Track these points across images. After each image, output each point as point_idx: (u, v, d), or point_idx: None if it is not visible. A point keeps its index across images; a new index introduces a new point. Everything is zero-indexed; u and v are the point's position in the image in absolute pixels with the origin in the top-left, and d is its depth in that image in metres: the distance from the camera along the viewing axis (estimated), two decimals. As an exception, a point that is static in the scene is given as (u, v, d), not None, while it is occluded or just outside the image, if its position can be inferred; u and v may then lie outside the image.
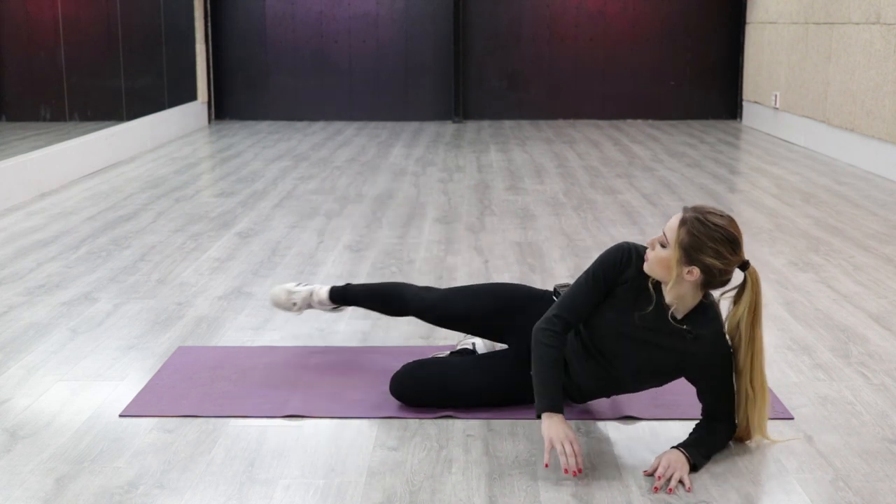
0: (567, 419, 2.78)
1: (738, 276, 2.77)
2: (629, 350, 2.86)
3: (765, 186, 7.28)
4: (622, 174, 7.88)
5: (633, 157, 8.89)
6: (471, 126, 11.46)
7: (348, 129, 11.17)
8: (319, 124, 11.59)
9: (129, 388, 3.37)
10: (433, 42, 11.89)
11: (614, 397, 3.16)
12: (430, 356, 3.39)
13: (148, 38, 9.81)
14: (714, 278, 2.72)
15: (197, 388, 3.36)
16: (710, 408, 2.87)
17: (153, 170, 8.17)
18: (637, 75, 11.86)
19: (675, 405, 3.14)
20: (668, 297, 2.77)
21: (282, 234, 5.74)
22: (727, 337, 2.82)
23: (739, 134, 10.62)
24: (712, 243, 2.67)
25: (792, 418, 3.11)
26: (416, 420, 3.09)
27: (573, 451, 2.66)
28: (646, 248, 2.82)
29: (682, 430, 2.94)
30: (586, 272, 2.90)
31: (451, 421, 3.08)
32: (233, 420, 3.10)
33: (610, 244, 5.36)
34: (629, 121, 11.82)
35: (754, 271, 2.75)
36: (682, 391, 3.07)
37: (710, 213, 2.71)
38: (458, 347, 3.49)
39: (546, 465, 2.68)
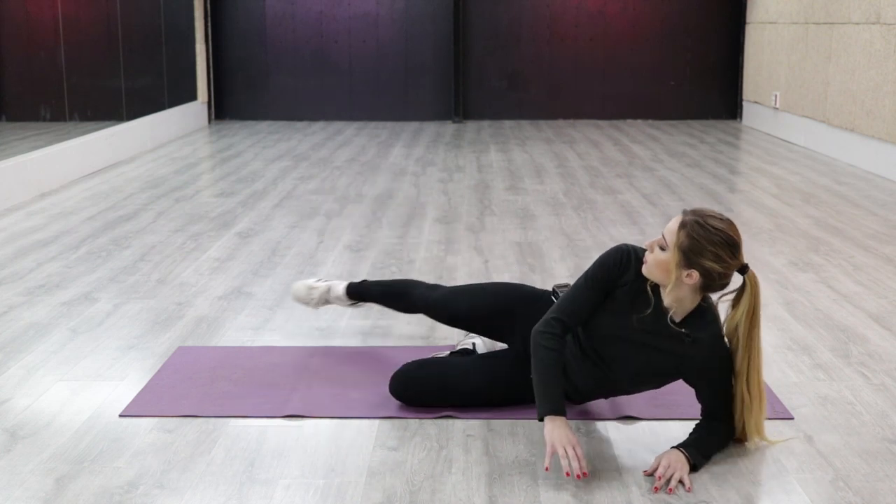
0: (568, 419, 2.78)
1: (736, 280, 2.77)
2: (627, 353, 2.86)
3: (765, 186, 7.28)
4: (622, 174, 7.88)
5: (633, 157, 8.89)
6: (471, 126, 11.46)
7: (348, 129, 11.18)
8: (319, 124, 11.59)
9: (129, 388, 3.37)
10: (433, 42, 11.89)
11: (613, 397, 3.16)
12: (430, 356, 3.39)
13: (148, 38, 9.81)
14: (713, 282, 2.72)
15: (197, 388, 3.36)
16: (709, 408, 2.87)
17: (153, 170, 8.17)
18: (637, 75, 11.86)
19: (675, 405, 3.14)
20: (667, 300, 2.77)
21: (282, 234, 5.75)
22: (725, 340, 2.82)
23: (739, 134, 10.62)
24: (712, 247, 2.66)
25: (792, 418, 3.11)
26: (416, 420, 3.09)
27: (575, 454, 2.65)
28: (644, 250, 2.82)
29: (682, 430, 2.94)
30: (585, 274, 2.89)
31: (451, 421, 3.08)
32: (233, 420, 3.10)
33: (610, 244, 5.39)
34: (629, 121, 11.83)
35: (753, 275, 2.75)
36: (681, 391, 3.06)
37: (709, 216, 2.71)
38: (458, 347, 3.49)
39: (546, 469, 2.67)
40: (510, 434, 3.00)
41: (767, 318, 4.10)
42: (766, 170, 8.10)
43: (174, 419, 3.10)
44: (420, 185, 7.42)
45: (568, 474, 2.63)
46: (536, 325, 2.86)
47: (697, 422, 2.88)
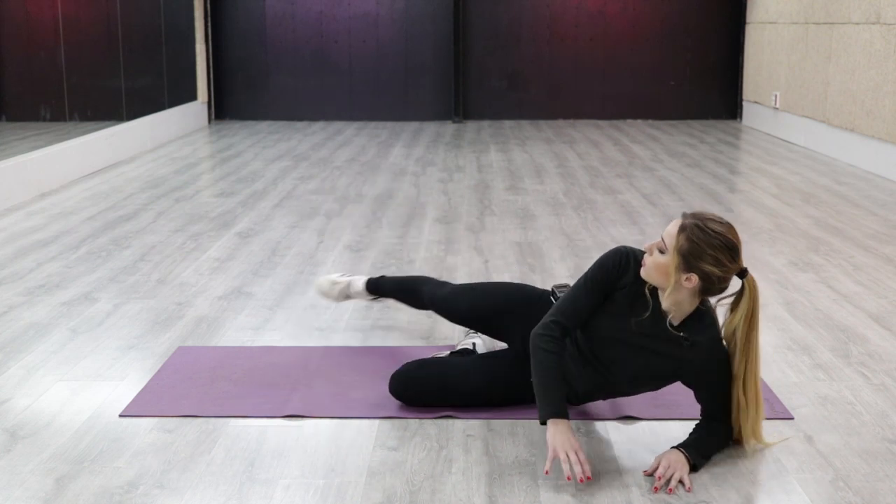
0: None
1: (735, 283, 2.76)
2: (626, 356, 2.85)
3: (765, 186, 7.28)
4: (622, 174, 7.88)
5: (633, 157, 8.89)
6: (471, 126, 11.47)
7: (348, 129, 11.18)
8: (319, 124, 11.59)
9: (129, 388, 3.37)
10: (433, 42, 11.89)
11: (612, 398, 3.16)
12: (430, 356, 3.40)
13: (148, 38, 9.82)
14: (712, 285, 2.71)
15: (197, 388, 3.36)
16: (708, 409, 2.87)
17: (153, 170, 8.17)
18: (637, 75, 11.86)
19: (675, 405, 3.14)
20: (666, 303, 2.76)
21: (282, 234, 5.75)
22: (724, 343, 2.81)
23: (739, 134, 10.62)
24: (712, 251, 2.65)
25: (792, 418, 3.11)
26: (416, 420, 3.09)
27: (578, 459, 2.64)
28: (643, 252, 2.81)
29: (682, 430, 2.94)
30: (584, 276, 2.88)
31: (451, 421, 3.08)
32: (233, 420, 3.10)
33: (610, 244, 5.39)
34: (629, 121, 11.83)
35: (752, 279, 2.74)
36: (682, 391, 3.06)
37: (709, 219, 2.69)
38: (459, 347, 3.49)
39: (546, 472, 2.67)
40: (510, 434, 2.99)
41: (767, 318, 4.10)
42: (766, 170, 8.10)
43: (174, 419, 3.10)
44: (420, 185, 7.42)
45: (569, 478, 2.62)
46: (535, 328, 2.85)
47: (697, 422, 2.88)
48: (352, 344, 3.83)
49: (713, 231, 2.66)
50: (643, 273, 2.77)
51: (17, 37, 7.62)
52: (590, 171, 8.07)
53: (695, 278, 2.68)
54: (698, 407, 2.91)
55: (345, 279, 3.94)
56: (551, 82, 11.93)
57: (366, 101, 11.95)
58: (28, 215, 6.25)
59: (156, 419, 3.10)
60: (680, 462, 2.70)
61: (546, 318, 2.86)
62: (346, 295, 3.94)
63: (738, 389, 2.78)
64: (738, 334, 2.75)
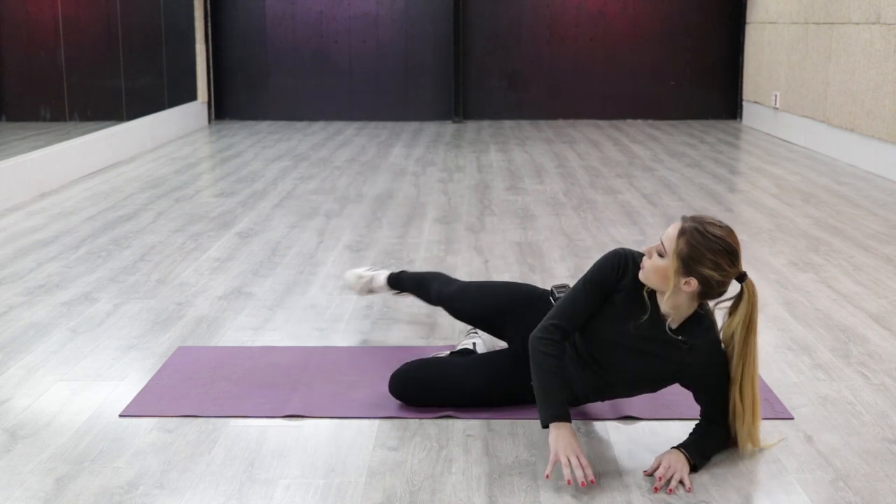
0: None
1: (734, 286, 2.75)
2: (624, 359, 2.84)
3: (765, 186, 7.28)
4: (622, 174, 7.88)
5: (633, 157, 8.89)
6: (471, 126, 11.47)
7: (348, 129, 11.18)
8: (319, 124, 11.59)
9: (129, 388, 3.37)
10: (433, 42, 11.89)
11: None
12: (430, 356, 3.40)
13: (148, 38, 9.81)
14: (712, 290, 2.70)
15: (197, 388, 3.36)
16: (708, 411, 2.86)
17: (153, 170, 8.17)
18: (637, 75, 11.87)
19: (675, 405, 3.14)
20: (664, 306, 2.75)
21: (282, 234, 5.75)
22: (722, 346, 2.80)
23: (739, 134, 10.62)
24: (711, 255, 2.64)
25: (792, 418, 3.11)
26: (416, 420, 3.09)
27: (579, 464, 2.63)
28: (641, 255, 2.80)
29: (682, 430, 2.94)
30: (583, 279, 2.86)
31: (451, 421, 3.08)
32: (233, 420, 3.10)
33: (610, 244, 5.39)
34: (629, 121, 11.83)
35: (751, 283, 2.72)
36: (682, 391, 3.06)
37: (709, 223, 2.68)
38: (459, 347, 3.49)
39: (547, 476, 2.66)
40: (510, 434, 2.99)
41: (767, 318, 4.10)
42: (766, 170, 8.10)
43: (174, 419, 3.10)
44: (420, 185, 7.42)
45: (569, 482, 2.62)
46: (534, 332, 2.84)
47: (697, 423, 2.88)
48: (352, 344, 3.83)
49: (713, 235, 2.65)
50: (642, 276, 2.76)
51: (17, 37, 7.62)
52: (590, 171, 8.08)
53: (694, 282, 2.67)
54: (698, 407, 2.90)
55: (369, 273, 4.01)
56: (551, 82, 11.93)
57: (366, 101, 11.95)
58: (28, 215, 6.25)
59: (156, 419, 3.10)
60: (680, 462, 2.70)
61: (545, 322, 2.85)
62: (369, 289, 4.01)
63: (734, 394, 2.77)
64: (736, 338, 2.74)
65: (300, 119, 11.94)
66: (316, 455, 2.86)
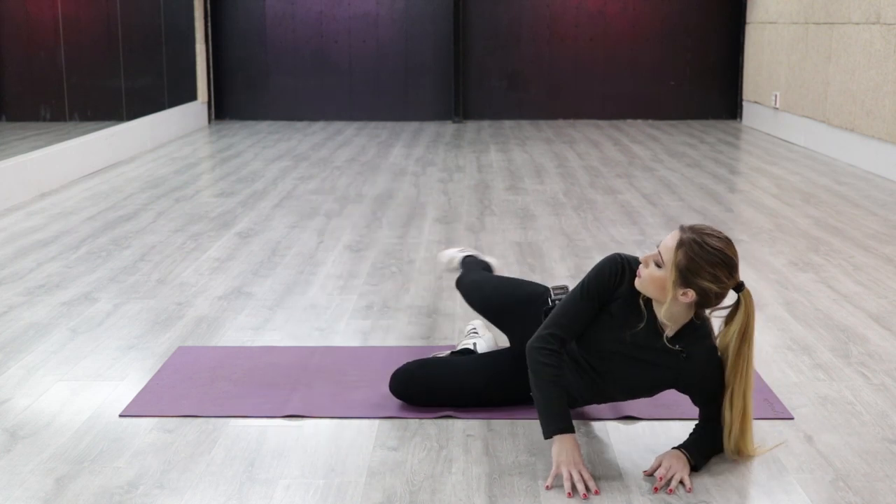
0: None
1: (731, 294, 2.74)
2: (621, 366, 2.82)
3: (765, 186, 7.28)
4: (622, 174, 7.88)
5: (633, 157, 8.89)
6: (471, 126, 11.47)
7: (348, 129, 11.18)
8: (319, 124, 11.59)
9: (129, 388, 3.37)
10: (433, 42, 11.89)
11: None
12: (431, 356, 3.40)
13: (148, 38, 9.82)
14: (709, 301, 2.68)
15: (197, 388, 3.36)
16: (707, 412, 2.84)
17: (153, 170, 8.18)
18: (637, 75, 11.87)
19: (675, 405, 3.14)
20: (661, 315, 2.73)
21: (282, 234, 5.75)
22: (719, 352, 2.79)
23: (739, 134, 10.62)
24: (710, 267, 2.62)
25: (792, 418, 3.11)
26: (416, 420, 3.09)
27: (581, 477, 2.63)
28: (638, 260, 2.78)
29: (682, 430, 2.94)
30: (580, 286, 2.84)
31: (451, 421, 3.08)
32: (233, 420, 3.10)
33: (610, 244, 5.39)
34: (629, 121, 11.83)
35: (748, 293, 2.70)
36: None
37: (707, 234, 2.65)
38: (459, 347, 3.49)
39: (548, 487, 2.65)
40: (510, 434, 2.99)
41: (767, 318, 4.10)
42: (766, 170, 8.10)
43: (174, 419, 3.10)
44: (420, 185, 7.42)
45: (569, 495, 2.60)
46: (531, 341, 2.82)
47: (697, 423, 2.87)
48: (352, 344, 3.83)
49: (712, 247, 2.63)
50: (638, 284, 2.74)
51: (17, 37, 7.63)
52: (590, 171, 8.08)
53: (692, 293, 2.65)
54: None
55: (459, 255, 4.06)
56: (551, 82, 11.93)
57: (366, 101, 11.95)
58: (28, 215, 6.25)
59: (156, 419, 3.10)
60: (681, 463, 2.70)
61: (542, 331, 2.82)
62: (453, 267, 4.07)
63: (724, 404, 2.75)
64: (731, 348, 2.72)
65: (300, 119, 11.94)
66: (316, 455, 2.86)
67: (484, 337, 3.56)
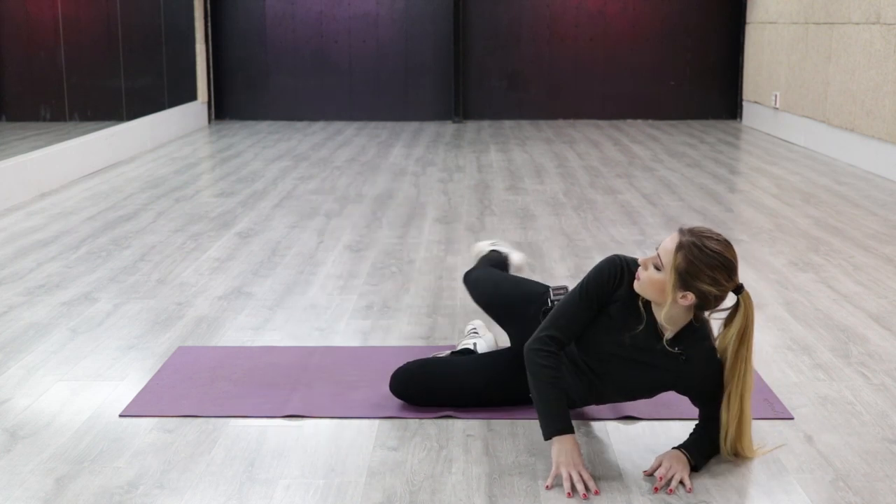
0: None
1: (731, 296, 2.74)
2: (620, 369, 2.82)
3: (765, 186, 7.28)
4: (622, 174, 7.88)
5: (633, 157, 8.89)
6: (471, 126, 11.47)
7: (348, 129, 11.18)
8: (319, 124, 11.59)
9: (129, 388, 3.37)
10: (433, 42, 11.89)
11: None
12: (431, 356, 3.40)
13: (148, 38, 9.82)
14: (708, 303, 2.68)
15: (197, 388, 3.36)
16: (707, 412, 2.84)
17: (153, 170, 8.18)
18: (637, 75, 11.87)
19: (675, 405, 3.14)
20: (660, 318, 2.73)
21: (282, 234, 5.75)
22: (718, 354, 2.78)
23: (739, 134, 10.62)
24: (709, 270, 2.61)
25: (792, 418, 3.11)
26: (416, 420, 3.09)
27: (580, 478, 2.63)
28: (636, 262, 2.78)
29: (682, 430, 2.94)
30: (579, 288, 2.83)
31: (451, 421, 3.08)
32: (233, 420, 3.10)
33: (610, 244, 5.39)
34: (629, 121, 11.83)
35: (748, 296, 2.70)
36: (682, 391, 3.06)
37: (707, 237, 2.65)
38: (459, 347, 3.49)
39: (548, 488, 2.65)
40: (510, 434, 2.99)
41: (767, 318, 4.10)
42: (766, 170, 8.10)
43: (174, 419, 3.10)
44: (420, 185, 7.42)
45: (569, 495, 2.61)
46: (529, 343, 2.82)
47: (697, 423, 2.87)
48: (352, 344, 3.83)
49: (711, 250, 2.62)
50: (637, 287, 2.74)
51: (17, 37, 7.63)
52: (590, 171, 8.08)
53: (691, 296, 2.65)
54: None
55: (486, 248, 4.01)
56: (551, 82, 11.93)
57: (366, 101, 11.95)
58: (28, 215, 6.25)
59: (156, 419, 3.10)
60: (681, 463, 2.69)
61: (540, 332, 2.82)
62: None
63: (722, 406, 2.74)
64: (730, 351, 2.71)
65: (300, 119, 11.94)
66: (316, 455, 2.86)
67: (484, 337, 3.56)
